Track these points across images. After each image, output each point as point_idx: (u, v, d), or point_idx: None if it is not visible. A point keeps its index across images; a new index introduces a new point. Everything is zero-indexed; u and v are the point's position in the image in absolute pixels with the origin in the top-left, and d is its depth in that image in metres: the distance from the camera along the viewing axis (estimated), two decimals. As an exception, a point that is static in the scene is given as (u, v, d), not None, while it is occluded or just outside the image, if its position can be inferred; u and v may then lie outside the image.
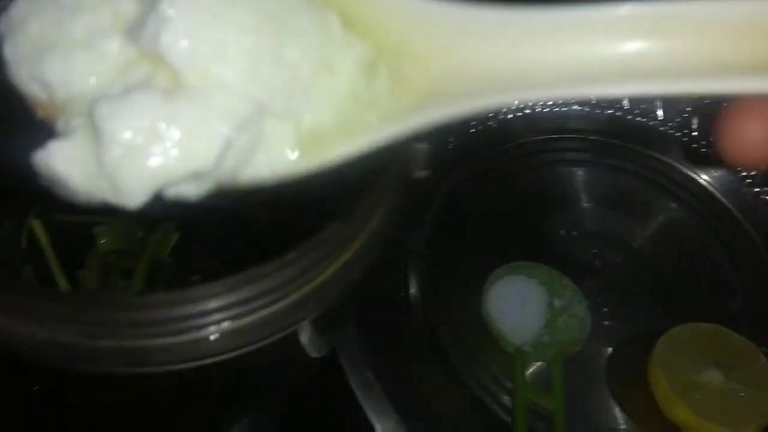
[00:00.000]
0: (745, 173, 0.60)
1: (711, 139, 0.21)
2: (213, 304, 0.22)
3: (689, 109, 0.62)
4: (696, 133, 0.62)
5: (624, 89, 0.22)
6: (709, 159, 0.61)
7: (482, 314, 0.53)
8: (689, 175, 0.62)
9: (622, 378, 0.52)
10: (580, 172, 0.62)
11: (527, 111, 0.64)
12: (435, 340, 0.52)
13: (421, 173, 0.27)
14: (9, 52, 0.21)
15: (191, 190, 0.20)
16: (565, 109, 0.64)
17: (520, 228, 0.59)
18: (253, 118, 0.20)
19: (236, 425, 0.43)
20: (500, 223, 0.59)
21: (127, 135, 0.19)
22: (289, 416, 0.48)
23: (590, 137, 0.63)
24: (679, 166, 0.62)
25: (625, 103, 0.63)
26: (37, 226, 0.38)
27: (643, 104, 0.63)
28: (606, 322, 0.55)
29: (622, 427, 0.50)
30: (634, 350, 0.53)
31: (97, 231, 0.41)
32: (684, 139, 0.62)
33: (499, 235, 0.58)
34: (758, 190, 0.60)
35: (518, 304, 0.54)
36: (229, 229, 0.44)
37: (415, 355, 0.51)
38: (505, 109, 0.64)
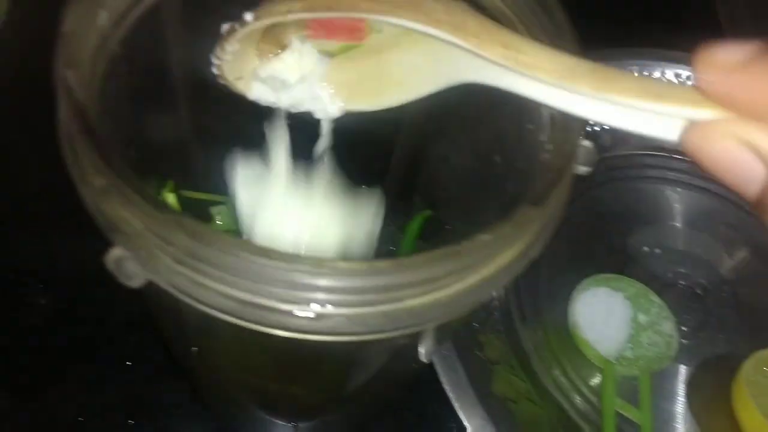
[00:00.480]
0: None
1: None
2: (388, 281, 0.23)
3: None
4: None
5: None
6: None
7: (568, 323, 0.53)
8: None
9: (703, 398, 0.52)
10: (666, 190, 0.62)
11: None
12: (518, 346, 0.53)
13: (583, 169, 0.27)
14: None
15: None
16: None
17: (603, 242, 0.60)
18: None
19: (336, 413, 0.44)
20: (583, 235, 0.59)
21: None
22: (383, 412, 0.49)
23: (677, 155, 0.63)
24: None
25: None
26: (171, 200, 0.39)
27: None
28: (685, 341, 0.55)
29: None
30: (716, 371, 0.53)
31: (213, 210, 0.42)
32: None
33: (582, 247, 0.59)
34: None
35: (603, 316, 0.54)
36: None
37: (501, 360, 0.52)
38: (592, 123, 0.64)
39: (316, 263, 0.22)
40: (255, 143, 0.37)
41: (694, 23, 0.74)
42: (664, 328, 0.54)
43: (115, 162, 0.24)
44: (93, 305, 0.51)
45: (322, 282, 0.23)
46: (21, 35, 0.59)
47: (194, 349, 0.36)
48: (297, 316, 0.23)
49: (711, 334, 0.55)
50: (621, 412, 0.50)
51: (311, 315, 0.23)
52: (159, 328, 0.42)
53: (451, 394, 0.46)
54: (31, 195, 0.56)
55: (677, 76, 0.64)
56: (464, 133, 0.38)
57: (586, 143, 0.27)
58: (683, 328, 0.55)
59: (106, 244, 0.24)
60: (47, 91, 0.26)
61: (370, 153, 0.43)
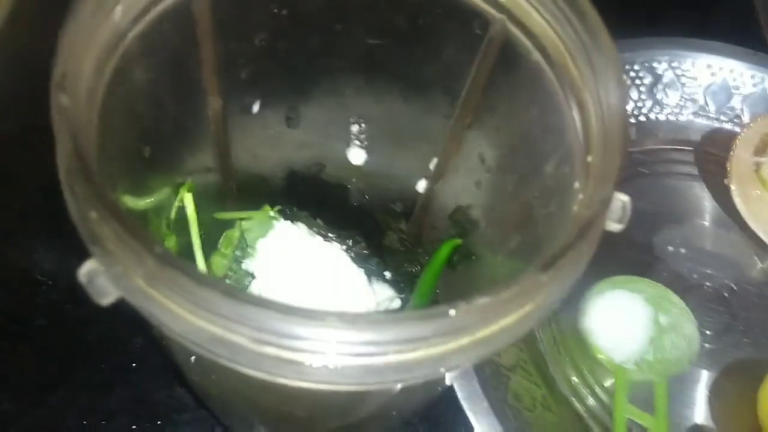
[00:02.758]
0: None
1: None
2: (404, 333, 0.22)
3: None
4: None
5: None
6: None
7: (580, 328, 0.52)
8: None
9: (726, 405, 0.51)
10: (695, 187, 0.60)
11: (641, 118, 0.62)
12: (536, 350, 0.52)
13: (617, 226, 0.26)
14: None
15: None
16: (684, 119, 0.62)
17: (627, 240, 0.57)
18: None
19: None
20: (606, 233, 0.57)
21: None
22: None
23: (709, 150, 0.60)
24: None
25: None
26: (188, 199, 0.38)
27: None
28: (709, 345, 0.53)
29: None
30: (741, 377, 0.52)
31: (244, 225, 0.41)
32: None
33: (605, 246, 0.56)
34: None
35: (621, 320, 0.52)
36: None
37: (517, 365, 0.50)
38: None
39: (309, 315, 0.22)
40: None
41: (726, 11, 0.72)
42: (686, 330, 0.52)
43: (93, 178, 0.23)
44: (98, 307, 0.50)
45: (310, 332, 0.22)
46: (22, 35, 0.58)
47: (192, 358, 0.35)
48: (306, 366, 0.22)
49: (736, 338, 0.54)
50: (635, 420, 0.48)
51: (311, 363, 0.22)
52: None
53: (464, 402, 0.45)
54: (35, 193, 0.55)
55: (708, 66, 0.62)
56: (499, 169, 0.37)
57: (622, 197, 0.25)
58: (707, 332, 0.54)
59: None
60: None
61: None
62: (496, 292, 0.22)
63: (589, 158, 0.27)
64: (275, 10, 0.35)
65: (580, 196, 0.27)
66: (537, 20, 0.31)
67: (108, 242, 0.23)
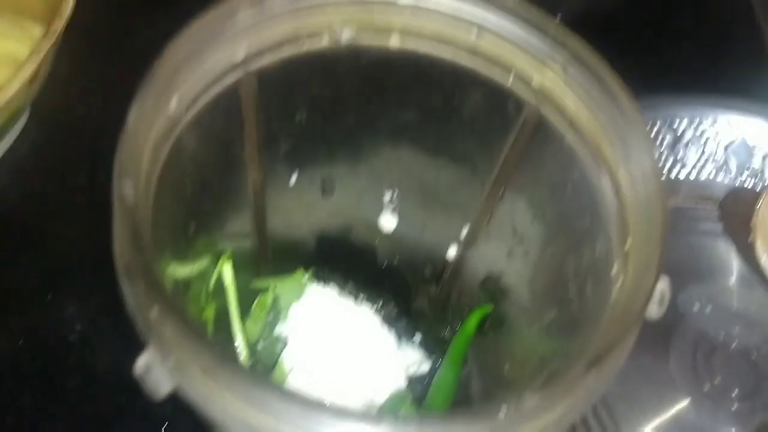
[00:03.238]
0: None
1: None
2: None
3: None
4: None
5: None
6: None
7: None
8: None
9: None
10: (719, 246, 0.60)
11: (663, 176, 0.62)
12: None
13: (657, 312, 0.26)
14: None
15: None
16: (705, 177, 0.63)
17: (653, 297, 0.58)
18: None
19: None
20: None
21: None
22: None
23: (733, 208, 0.61)
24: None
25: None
26: (227, 269, 0.39)
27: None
28: (737, 406, 0.53)
29: None
30: (769, 440, 0.51)
31: (277, 288, 0.42)
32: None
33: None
34: None
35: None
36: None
37: None
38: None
39: (340, 415, 0.22)
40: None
41: (745, 68, 0.73)
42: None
43: (155, 276, 0.24)
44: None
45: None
46: (58, 97, 0.60)
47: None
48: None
49: (765, 399, 0.53)
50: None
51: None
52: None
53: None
54: (69, 252, 0.56)
55: (728, 124, 0.62)
56: (532, 243, 0.37)
57: (662, 283, 0.26)
58: (734, 393, 0.53)
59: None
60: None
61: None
62: (543, 391, 0.23)
63: (627, 245, 0.28)
64: (315, 91, 0.36)
65: (620, 283, 0.28)
66: (571, 103, 0.32)
67: (165, 336, 0.24)
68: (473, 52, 0.34)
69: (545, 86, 0.33)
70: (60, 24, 0.52)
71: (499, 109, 0.35)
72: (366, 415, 0.22)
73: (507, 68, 0.34)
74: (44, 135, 0.59)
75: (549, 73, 0.32)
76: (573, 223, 0.33)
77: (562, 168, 0.34)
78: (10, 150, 0.58)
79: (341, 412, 0.22)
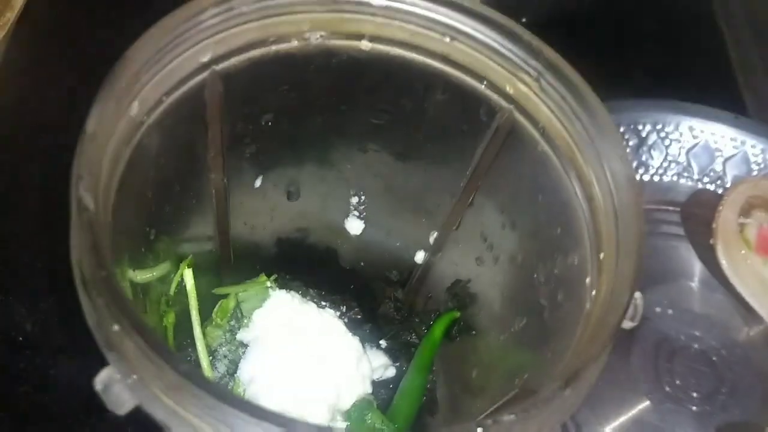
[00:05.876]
0: None
1: None
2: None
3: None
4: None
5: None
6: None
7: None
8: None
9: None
10: (680, 248, 0.61)
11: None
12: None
13: (630, 324, 0.26)
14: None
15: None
16: (668, 180, 0.63)
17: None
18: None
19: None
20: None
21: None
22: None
23: (694, 211, 0.61)
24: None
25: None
26: (188, 275, 0.38)
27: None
28: (696, 408, 0.53)
29: None
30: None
31: (240, 294, 0.41)
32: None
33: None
34: None
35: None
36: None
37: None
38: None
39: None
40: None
41: (707, 74, 0.74)
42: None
43: (117, 291, 0.22)
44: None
45: None
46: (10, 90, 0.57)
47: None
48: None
49: (725, 401, 0.54)
50: None
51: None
52: None
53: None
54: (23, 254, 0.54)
55: (691, 129, 0.63)
56: (502, 250, 0.37)
57: (637, 296, 0.26)
58: (694, 394, 0.54)
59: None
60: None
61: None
62: (521, 408, 0.22)
63: (602, 255, 0.28)
64: (284, 92, 0.35)
65: (593, 293, 0.27)
66: (544, 112, 0.32)
67: (127, 352, 0.22)
68: (446, 57, 0.33)
69: (518, 94, 0.32)
70: (12, 15, 0.50)
71: (471, 116, 0.35)
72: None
73: (480, 75, 0.33)
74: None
75: (522, 81, 0.32)
76: (545, 231, 0.33)
77: (533, 175, 0.33)
78: (-43, 144, 0.55)
79: (301, 428, 0.21)
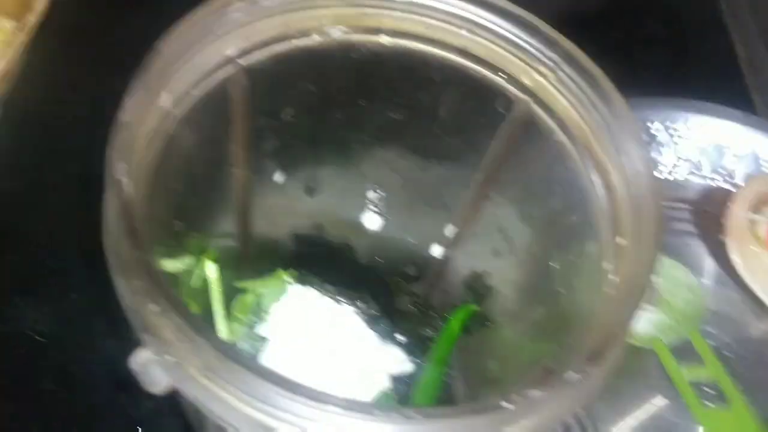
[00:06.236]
0: None
1: None
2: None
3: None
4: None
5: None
6: None
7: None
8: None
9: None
10: (692, 245, 0.61)
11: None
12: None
13: (649, 308, 0.27)
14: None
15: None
16: (679, 177, 0.64)
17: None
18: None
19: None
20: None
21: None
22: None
23: (705, 208, 0.62)
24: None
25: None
26: (211, 268, 0.39)
27: None
28: (711, 404, 0.54)
29: None
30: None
31: (258, 288, 0.41)
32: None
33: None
34: None
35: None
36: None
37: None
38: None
39: (348, 406, 0.22)
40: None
41: (714, 73, 0.74)
42: (686, 281, 0.53)
43: (155, 271, 0.23)
44: (104, 370, 0.50)
45: (350, 424, 0.22)
46: (30, 95, 0.58)
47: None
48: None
49: (739, 399, 0.54)
50: (692, 377, 0.50)
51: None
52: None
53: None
54: (39, 252, 0.55)
55: (701, 126, 0.64)
56: (519, 240, 0.37)
57: (655, 280, 0.26)
58: (709, 391, 0.54)
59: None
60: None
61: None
62: (545, 384, 0.23)
63: (620, 240, 0.28)
64: (304, 87, 0.36)
65: (611, 277, 0.28)
66: (561, 102, 0.32)
67: (164, 332, 0.23)
68: (464, 51, 0.34)
69: (535, 85, 0.33)
70: (34, 18, 0.51)
71: (487, 108, 0.35)
72: (373, 407, 0.22)
73: (497, 67, 0.34)
74: (15, 133, 0.58)
75: (539, 73, 0.33)
76: (562, 220, 0.33)
77: (550, 166, 0.34)
78: (-21, 148, 0.56)
79: (349, 405, 0.22)
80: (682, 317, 0.52)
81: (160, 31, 0.29)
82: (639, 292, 0.25)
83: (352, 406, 0.22)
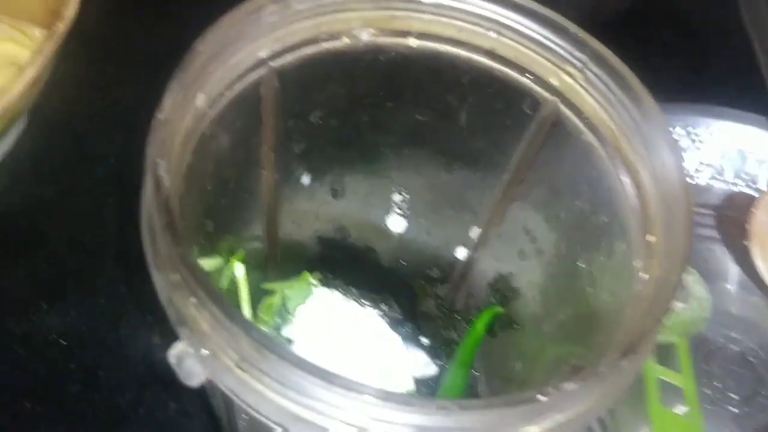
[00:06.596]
0: None
1: None
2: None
3: None
4: None
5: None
6: None
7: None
8: None
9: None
10: (716, 251, 0.61)
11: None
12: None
13: (679, 305, 0.27)
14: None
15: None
16: (702, 183, 0.64)
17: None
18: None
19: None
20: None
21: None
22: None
23: (729, 214, 0.62)
24: None
25: None
26: (240, 270, 0.39)
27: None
28: (735, 410, 0.53)
29: None
30: (769, 443, 0.52)
31: (284, 290, 0.42)
32: None
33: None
34: None
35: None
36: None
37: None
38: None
39: (385, 396, 0.22)
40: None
41: (734, 79, 0.74)
42: (696, 291, 0.53)
43: (193, 264, 0.24)
44: (131, 373, 0.51)
45: (385, 414, 0.23)
46: (59, 102, 0.59)
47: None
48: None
49: (764, 403, 0.54)
50: (665, 378, 0.49)
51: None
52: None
53: None
54: (69, 257, 0.55)
55: (722, 132, 0.63)
56: (546, 241, 0.38)
57: (691, 278, 0.27)
58: (733, 396, 0.54)
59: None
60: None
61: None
62: (580, 378, 0.23)
63: (651, 238, 0.28)
64: (334, 90, 0.36)
65: (641, 275, 0.28)
66: (589, 102, 0.33)
67: (201, 325, 0.24)
68: (491, 52, 0.34)
69: (563, 85, 0.33)
70: (63, 26, 0.52)
71: (515, 109, 0.36)
72: (410, 398, 0.22)
73: (524, 69, 0.34)
74: (43, 139, 0.59)
75: (567, 73, 0.33)
76: (590, 220, 0.33)
77: (578, 166, 0.34)
78: (9, 154, 0.57)
79: (386, 396, 0.22)
80: (679, 325, 0.52)
81: (187, 39, 0.30)
82: (671, 289, 0.26)
83: (389, 396, 0.22)
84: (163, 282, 0.25)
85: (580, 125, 0.33)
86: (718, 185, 0.64)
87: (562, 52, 0.32)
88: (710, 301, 0.53)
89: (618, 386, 0.25)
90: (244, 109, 0.32)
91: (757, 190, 0.62)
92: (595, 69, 0.32)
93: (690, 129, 0.64)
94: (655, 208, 0.29)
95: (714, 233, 0.62)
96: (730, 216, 0.62)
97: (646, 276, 0.27)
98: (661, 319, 0.25)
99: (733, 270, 0.61)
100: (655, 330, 0.25)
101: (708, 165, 0.64)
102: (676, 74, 0.74)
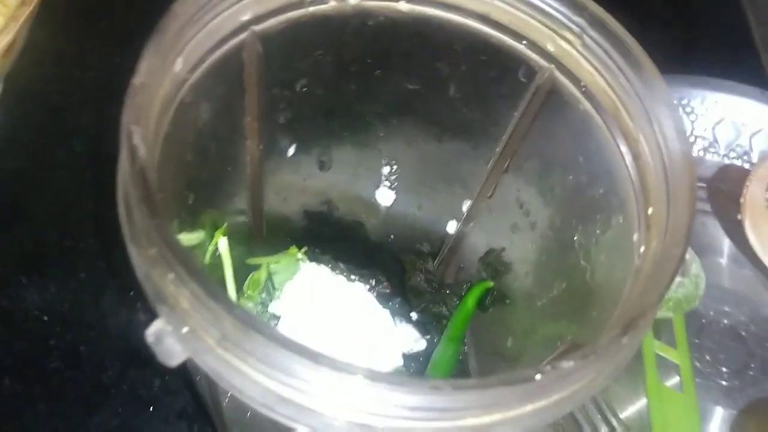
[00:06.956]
0: None
1: None
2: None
3: None
4: None
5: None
6: None
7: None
8: None
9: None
10: (708, 225, 0.60)
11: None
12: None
13: (678, 279, 0.26)
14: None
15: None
16: (694, 155, 0.63)
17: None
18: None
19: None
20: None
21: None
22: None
23: (721, 186, 0.61)
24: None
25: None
26: (223, 244, 0.38)
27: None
28: (726, 383, 0.53)
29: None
30: (761, 415, 0.52)
31: (271, 266, 0.41)
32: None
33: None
34: None
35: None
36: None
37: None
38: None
39: (373, 376, 0.21)
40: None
41: (730, 50, 0.73)
42: (691, 269, 0.52)
43: (171, 238, 0.22)
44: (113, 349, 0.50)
45: (375, 395, 0.22)
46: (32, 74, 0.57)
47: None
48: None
49: (754, 376, 0.54)
50: (661, 353, 0.49)
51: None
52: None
53: None
54: (47, 231, 0.54)
55: (716, 104, 0.62)
56: (540, 215, 0.37)
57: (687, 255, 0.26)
58: (724, 370, 0.54)
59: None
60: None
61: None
62: (579, 355, 0.22)
63: (650, 211, 0.27)
64: (320, 57, 0.35)
65: (642, 249, 0.27)
66: (587, 69, 0.31)
67: (180, 302, 0.22)
68: (485, 17, 0.33)
69: (560, 52, 0.32)
70: (36, -5, 0.50)
71: (509, 77, 0.34)
72: (400, 378, 0.21)
73: (520, 35, 0.33)
74: (19, 109, 0.57)
75: (564, 39, 0.31)
76: (586, 193, 0.32)
77: (575, 136, 0.33)
78: (-17, 125, 0.55)
79: (374, 376, 0.21)
80: (673, 304, 0.51)
81: (167, 7, 0.28)
82: (673, 263, 0.25)
83: (377, 376, 0.21)
84: (140, 257, 0.23)
85: (577, 93, 0.32)
86: (710, 158, 0.63)
87: (559, 16, 0.31)
88: (704, 279, 0.53)
89: (617, 363, 0.24)
90: (226, 75, 0.31)
91: (750, 163, 0.61)
92: (594, 34, 0.30)
93: (684, 101, 0.63)
94: (655, 180, 0.28)
95: (706, 206, 0.61)
96: (723, 189, 0.61)
97: (647, 250, 0.26)
98: (663, 293, 0.24)
99: (725, 243, 0.60)
100: (656, 305, 0.24)
101: (701, 137, 0.63)
102: (671, 46, 0.73)
